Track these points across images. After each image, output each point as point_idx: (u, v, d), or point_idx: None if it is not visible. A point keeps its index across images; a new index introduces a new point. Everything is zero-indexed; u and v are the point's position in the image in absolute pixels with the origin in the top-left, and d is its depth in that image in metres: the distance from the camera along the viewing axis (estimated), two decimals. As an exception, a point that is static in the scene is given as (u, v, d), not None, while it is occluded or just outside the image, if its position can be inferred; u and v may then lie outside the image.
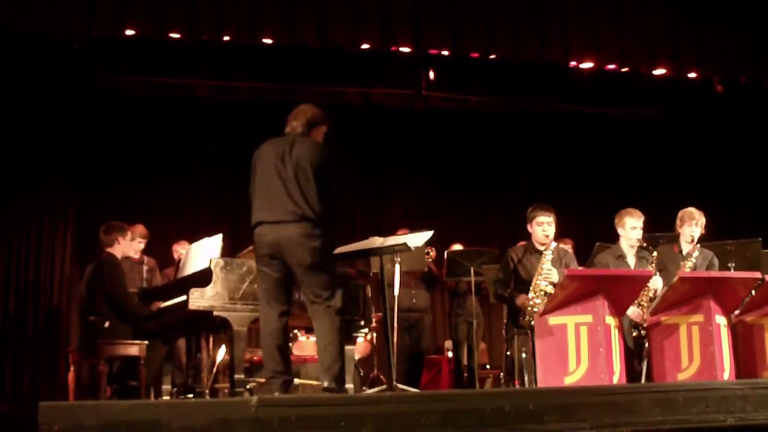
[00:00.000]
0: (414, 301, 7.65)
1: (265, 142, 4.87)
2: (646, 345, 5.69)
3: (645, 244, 6.01)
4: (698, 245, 6.09)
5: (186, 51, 8.38)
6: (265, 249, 4.70)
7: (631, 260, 6.08)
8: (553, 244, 5.91)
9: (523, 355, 6.00)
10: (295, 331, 7.08)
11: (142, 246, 7.33)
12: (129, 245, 6.65)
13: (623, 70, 8.95)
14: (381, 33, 8.11)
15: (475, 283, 7.31)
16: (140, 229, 7.35)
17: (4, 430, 7.41)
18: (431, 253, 7.75)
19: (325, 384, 4.59)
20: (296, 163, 4.68)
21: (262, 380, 4.94)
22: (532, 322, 5.54)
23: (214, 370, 6.73)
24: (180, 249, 7.45)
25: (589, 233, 8.70)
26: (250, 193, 4.86)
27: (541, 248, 5.91)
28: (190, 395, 6.36)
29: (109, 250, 6.40)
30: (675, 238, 6.24)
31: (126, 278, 6.43)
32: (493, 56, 8.56)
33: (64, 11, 7.33)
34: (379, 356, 7.81)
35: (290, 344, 5.52)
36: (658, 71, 8.97)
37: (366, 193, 10.22)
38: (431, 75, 9.35)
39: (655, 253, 5.87)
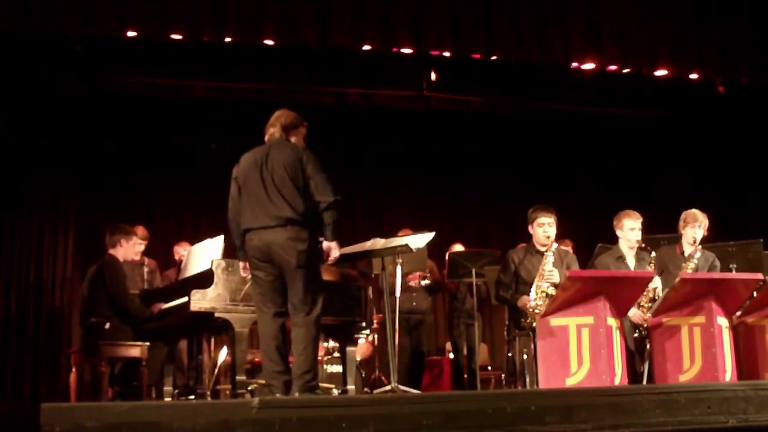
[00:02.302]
0: (415, 303, 7.64)
1: (244, 155, 4.93)
2: (648, 346, 5.69)
3: (644, 245, 6.01)
4: (700, 247, 6.08)
5: (187, 52, 8.37)
6: (254, 252, 4.75)
7: (631, 261, 6.08)
8: (554, 245, 5.91)
9: (525, 357, 6.00)
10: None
11: (142, 247, 7.31)
12: (131, 248, 6.63)
13: (624, 70, 8.95)
14: (382, 34, 8.09)
15: (475, 284, 7.30)
16: (141, 230, 7.34)
17: (5, 431, 7.40)
18: (429, 278, 7.73)
19: (296, 395, 4.59)
20: (273, 169, 4.75)
21: (264, 381, 4.93)
22: (534, 324, 5.54)
23: (216, 371, 6.73)
24: (181, 250, 7.45)
25: (589, 234, 8.71)
26: (231, 202, 4.89)
27: (542, 249, 5.90)
28: (192, 397, 6.36)
29: (111, 251, 6.40)
30: (677, 240, 6.24)
31: (127, 280, 6.43)
32: (494, 57, 8.56)
33: (65, 11, 7.31)
34: (380, 357, 7.80)
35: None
36: (660, 72, 8.96)
37: (368, 193, 10.22)
38: (432, 76, 9.34)
39: (653, 254, 5.85)
